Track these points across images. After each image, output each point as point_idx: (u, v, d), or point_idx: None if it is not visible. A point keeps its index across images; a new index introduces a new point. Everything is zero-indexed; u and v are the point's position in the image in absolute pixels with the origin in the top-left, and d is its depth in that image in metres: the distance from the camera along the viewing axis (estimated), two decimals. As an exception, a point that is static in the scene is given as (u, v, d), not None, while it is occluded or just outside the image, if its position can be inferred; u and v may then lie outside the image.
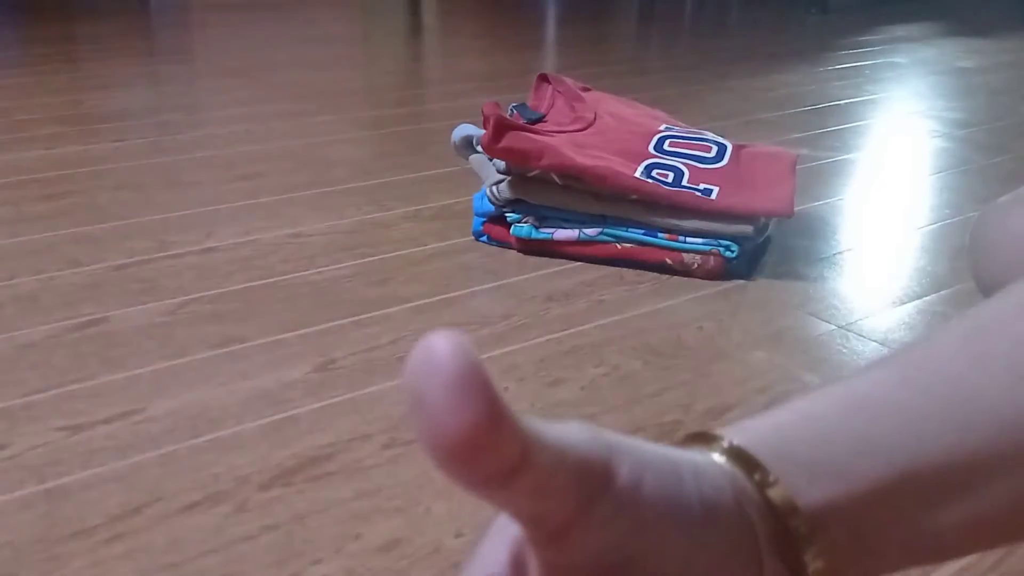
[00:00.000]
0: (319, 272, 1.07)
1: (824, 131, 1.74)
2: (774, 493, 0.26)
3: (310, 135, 1.63)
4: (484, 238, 1.17)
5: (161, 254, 1.11)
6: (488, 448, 0.19)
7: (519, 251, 1.13)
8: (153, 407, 0.79)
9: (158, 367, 0.86)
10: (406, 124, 1.73)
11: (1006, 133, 1.77)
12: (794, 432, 0.27)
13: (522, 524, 0.22)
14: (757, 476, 0.26)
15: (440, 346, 0.18)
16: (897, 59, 2.53)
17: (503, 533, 0.25)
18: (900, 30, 3.04)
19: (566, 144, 1.12)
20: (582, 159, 1.08)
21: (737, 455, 0.26)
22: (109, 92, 1.88)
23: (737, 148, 1.17)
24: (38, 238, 1.15)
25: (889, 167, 1.55)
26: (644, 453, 0.24)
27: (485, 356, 0.89)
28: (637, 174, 1.09)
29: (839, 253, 1.17)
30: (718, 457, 0.26)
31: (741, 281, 1.08)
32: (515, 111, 1.23)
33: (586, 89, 1.30)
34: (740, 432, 0.27)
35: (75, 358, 0.87)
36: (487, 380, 0.19)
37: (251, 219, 1.22)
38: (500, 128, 1.11)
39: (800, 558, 0.26)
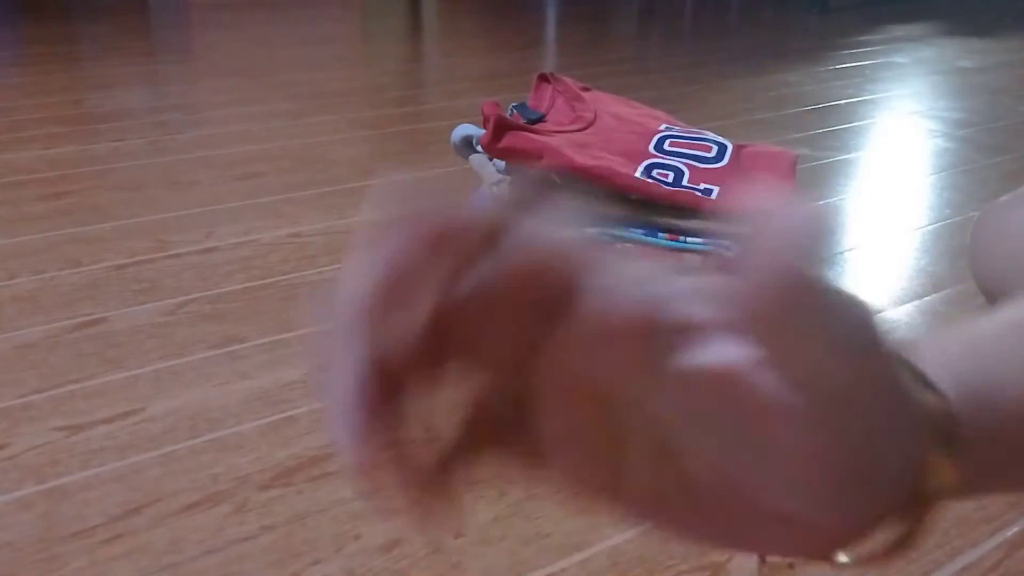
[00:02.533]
0: (319, 272, 1.07)
1: (824, 131, 1.74)
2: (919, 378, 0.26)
3: (310, 135, 1.62)
4: (484, 238, 1.16)
5: (161, 254, 1.11)
6: None
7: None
8: (153, 407, 0.79)
9: (158, 367, 0.86)
10: (406, 124, 1.73)
11: (1006, 133, 1.77)
12: (952, 345, 0.28)
13: None
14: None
15: None
16: (897, 59, 2.53)
17: None
18: (900, 30, 3.04)
19: (566, 144, 1.11)
20: (582, 159, 1.08)
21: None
22: (109, 92, 1.88)
23: (737, 148, 1.17)
24: (38, 238, 1.14)
25: (889, 167, 1.54)
26: None
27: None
28: (637, 174, 1.09)
29: (839, 253, 1.17)
30: None
31: (741, 281, 1.07)
32: (515, 111, 1.23)
33: (586, 89, 1.30)
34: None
35: (75, 358, 0.87)
36: None
37: (251, 219, 1.22)
38: (500, 128, 1.11)
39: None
